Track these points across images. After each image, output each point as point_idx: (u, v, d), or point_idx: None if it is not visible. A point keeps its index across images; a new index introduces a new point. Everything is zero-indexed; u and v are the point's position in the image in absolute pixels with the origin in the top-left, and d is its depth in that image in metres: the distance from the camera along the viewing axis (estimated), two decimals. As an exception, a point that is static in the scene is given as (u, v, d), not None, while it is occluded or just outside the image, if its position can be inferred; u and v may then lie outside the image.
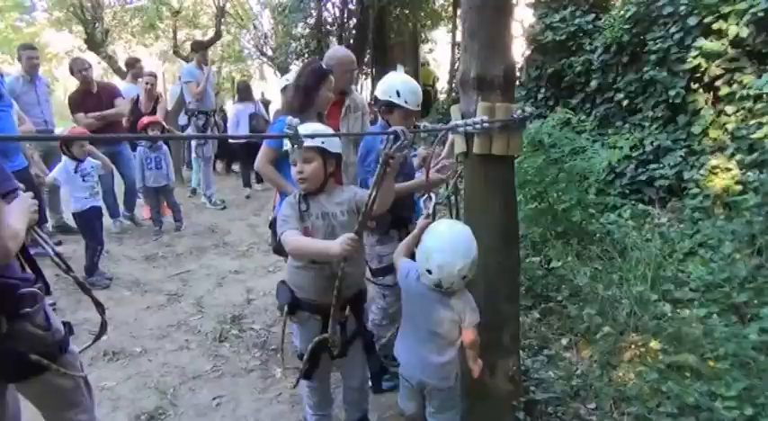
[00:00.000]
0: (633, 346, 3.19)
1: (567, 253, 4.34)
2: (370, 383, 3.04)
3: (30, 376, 1.88)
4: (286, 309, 2.32)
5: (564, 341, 3.51)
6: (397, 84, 2.90)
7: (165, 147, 6.28)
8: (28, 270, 1.90)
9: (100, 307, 2.20)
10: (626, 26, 6.53)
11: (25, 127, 4.40)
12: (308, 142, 2.00)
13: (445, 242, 2.14)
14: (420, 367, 2.28)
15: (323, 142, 2.17)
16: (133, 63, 7.86)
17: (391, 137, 1.96)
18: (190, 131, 7.65)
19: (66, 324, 2.04)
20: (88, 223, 4.71)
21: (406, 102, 2.86)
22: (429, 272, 2.13)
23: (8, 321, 1.75)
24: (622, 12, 6.76)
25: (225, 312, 4.20)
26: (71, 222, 5.64)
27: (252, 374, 3.34)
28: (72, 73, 6.09)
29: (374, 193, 2.01)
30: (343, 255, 1.98)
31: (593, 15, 7.46)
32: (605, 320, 3.48)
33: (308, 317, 2.33)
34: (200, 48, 7.82)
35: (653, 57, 6.09)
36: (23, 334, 1.79)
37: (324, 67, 3.23)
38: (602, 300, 3.63)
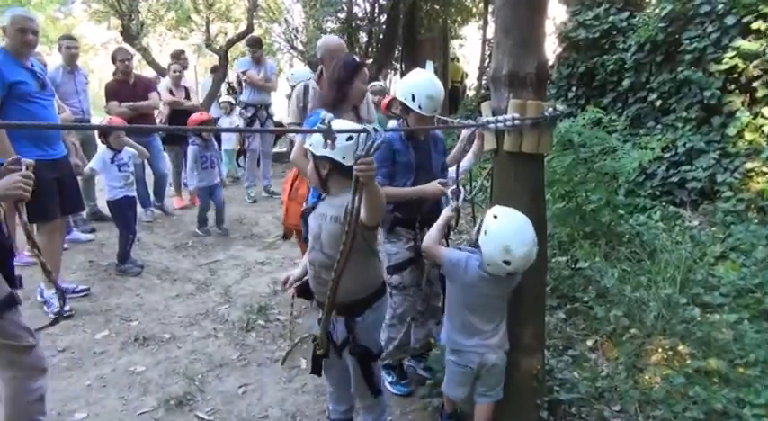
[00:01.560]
0: (660, 350, 3.16)
1: (595, 253, 4.30)
2: (392, 389, 3.07)
3: None
4: (294, 292, 2.36)
5: (589, 342, 3.49)
6: (414, 86, 2.83)
7: (216, 144, 6.21)
8: None
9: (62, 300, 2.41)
10: (661, 25, 6.42)
11: (64, 115, 4.52)
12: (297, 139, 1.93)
13: (523, 234, 2.21)
14: (483, 349, 2.40)
15: (311, 144, 2.11)
16: (178, 55, 7.99)
17: (363, 137, 1.71)
18: (228, 123, 7.82)
19: (10, 294, 2.21)
20: (121, 212, 4.82)
21: (420, 107, 2.79)
22: (507, 263, 2.19)
23: None
24: (658, 10, 6.65)
25: (251, 302, 4.27)
26: (105, 210, 5.78)
27: (277, 364, 3.39)
28: (113, 61, 6.22)
29: (355, 205, 1.81)
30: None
31: (627, 13, 7.35)
32: (632, 322, 3.45)
33: (315, 307, 2.38)
34: (255, 44, 7.66)
35: (688, 56, 5.98)
36: None
37: (356, 59, 3.23)
38: (629, 301, 3.60)
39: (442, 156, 3.09)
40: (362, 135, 1.71)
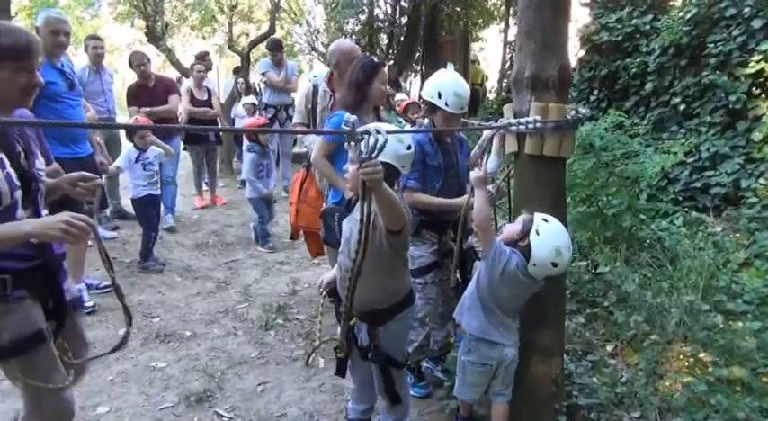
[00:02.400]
0: (681, 356, 3.12)
1: (616, 258, 4.26)
2: (413, 392, 3.01)
3: None
4: (325, 292, 2.38)
5: (609, 347, 3.46)
6: (440, 84, 2.81)
7: (271, 152, 5.96)
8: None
9: (128, 317, 1.97)
10: (685, 28, 6.35)
11: (90, 114, 4.61)
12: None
13: (568, 240, 2.32)
14: (504, 345, 2.43)
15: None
16: (203, 56, 8.08)
17: (366, 138, 1.68)
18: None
19: (39, 330, 1.86)
20: (145, 210, 4.90)
21: (446, 104, 2.77)
22: (554, 265, 2.25)
23: None
24: (682, 13, 6.57)
25: (271, 301, 4.31)
26: (129, 208, 5.88)
27: (296, 363, 3.42)
28: (131, 66, 6.22)
29: (366, 212, 1.77)
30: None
31: (651, 16, 7.28)
32: (653, 328, 3.41)
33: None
34: (275, 48, 7.71)
35: (713, 60, 5.90)
36: None
37: (374, 60, 3.22)
38: (650, 307, 3.56)
39: (467, 158, 3.04)
40: (366, 136, 1.68)
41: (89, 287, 4.18)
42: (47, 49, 3.76)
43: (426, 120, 3.00)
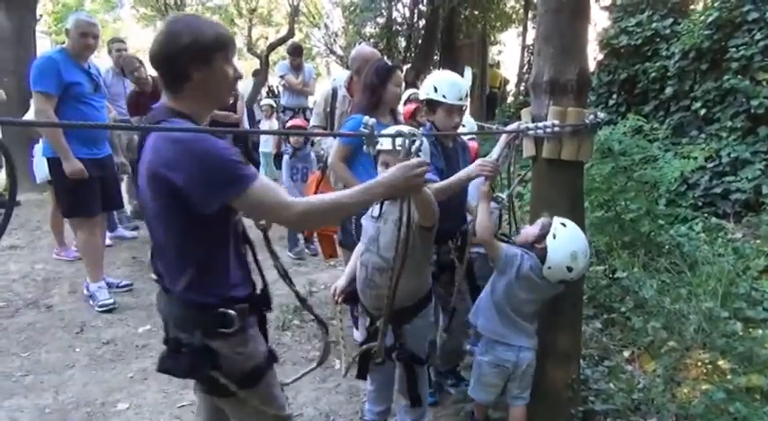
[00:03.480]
0: (700, 364, 3.08)
1: (633, 263, 4.23)
2: (430, 398, 3.03)
3: (220, 396, 1.74)
4: (341, 297, 2.39)
5: (626, 353, 3.43)
6: (434, 80, 2.79)
7: (312, 153, 5.57)
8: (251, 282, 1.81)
9: (323, 326, 2.09)
10: (707, 32, 6.29)
11: (112, 115, 4.70)
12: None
13: (586, 246, 2.31)
14: (520, 347, 2.43)
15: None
16: None
17: (407, 141, 1.73)
18: (268, 127, 8.04)
19: (270, 351, 1.81)
20: None
21: (444, 96, 2.71)
22: (569, 269, 2.25)
23: (203, 336, 1.61)
24: (703, 16, 6.51)
25: (287, 302, 4.32)
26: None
27: (312, 364, 3.42)
28: (124, 74, 5.75)
29: (405, 211, 1.79)
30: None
31: (671, 20, 7.22)
32: (671, 335, 3.38)
33: (361, 312, 2.41)
34: (295, 52, 7.75)
35: (734, 64, 5.84)
36: (215, 353, 1.63)
37: (389, 64, 3.24)
38: (668, 313, 3.53)
39: (468, 165, 2.89)
40: (404, 138, 1.73)
41: (109, 286, 4.25)
42: (76, 51, 3.85)
43: (428, 124, 2.94)
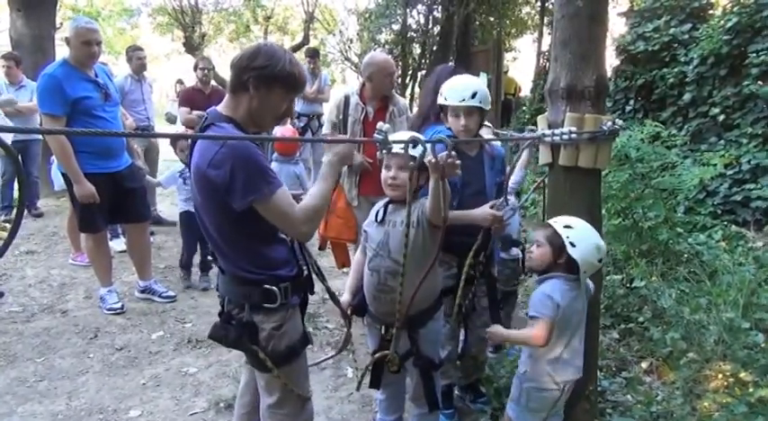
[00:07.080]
0: (720, 376, 3.01)
1: (652, 272, 4.16)
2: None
3: (260, 370, 1.96)
4: (349, 309, 2.35)
5: (644, 364, 3.37)
6: (442, 84, 2.70)
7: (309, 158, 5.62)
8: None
9: (347, 318, 2.32)
10: (726, 37, 6.20)
11: (128, 122, 4.73)
12: (412, 151, 1.89)
13: (595, 232, 2.23)
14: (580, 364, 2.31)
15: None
16: None
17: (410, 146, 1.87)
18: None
19: (304, 333, 2.04)
20: (182, 227, 4.77)
21: (446, 99, 2.60)
22: (600, 260, 2.20)
23: (250, 310, 1.87)
24: (722, 22, 6.42)
25: (300, 310, 4.32)
26: (164, 214, 6.03)
27: (324, 372, 3.41)
28: (195, 68, 6.27)
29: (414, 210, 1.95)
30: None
31: (689, 25, 7.13)
32: (690, 346, 3.31)
33: (370, 323, 2.37)
34: (313, 55, 7.87)
35: (754, 70, 5.76)
36: (256, 328, 1.87)
37: (454, 67, 3.16)
38: (687, 324, 3.46)
39: (499, 176, 2.76)
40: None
41: (152, 292, 4.38)
42: (80, 60, 3.72)
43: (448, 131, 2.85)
